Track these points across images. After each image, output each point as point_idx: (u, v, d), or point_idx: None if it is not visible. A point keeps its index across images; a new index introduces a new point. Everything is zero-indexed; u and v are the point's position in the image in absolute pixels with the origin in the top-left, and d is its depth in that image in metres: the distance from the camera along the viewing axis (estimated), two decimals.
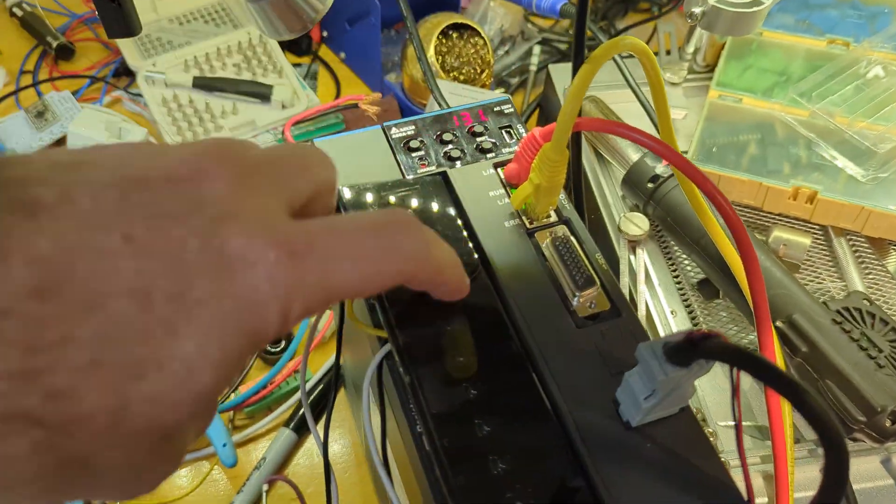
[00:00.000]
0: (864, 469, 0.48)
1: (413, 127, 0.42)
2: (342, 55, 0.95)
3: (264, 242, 0.21)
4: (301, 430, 0.63)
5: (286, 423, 0.63)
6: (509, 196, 0.39)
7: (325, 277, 0.22)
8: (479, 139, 0.41)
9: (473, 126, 0.42)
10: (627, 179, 0.57)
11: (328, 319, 0.68)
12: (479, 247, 0.37)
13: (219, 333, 0.20)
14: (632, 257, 0.56)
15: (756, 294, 0.39)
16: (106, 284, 0.18)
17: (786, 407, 0.42)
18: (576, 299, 0.35)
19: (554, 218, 0.39)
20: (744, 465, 0.30)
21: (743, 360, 0.25)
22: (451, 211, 0.38)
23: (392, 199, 0.38)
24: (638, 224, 0.55)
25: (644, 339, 0.34)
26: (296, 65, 0.93)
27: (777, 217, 0.60)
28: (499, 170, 0.40)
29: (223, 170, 0.22)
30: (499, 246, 0.37)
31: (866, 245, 0.59)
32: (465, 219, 0.38)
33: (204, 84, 0.82)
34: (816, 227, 0.60)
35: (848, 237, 0.59)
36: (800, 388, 0.24)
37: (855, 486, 0.47)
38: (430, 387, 0.32)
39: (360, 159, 0.41)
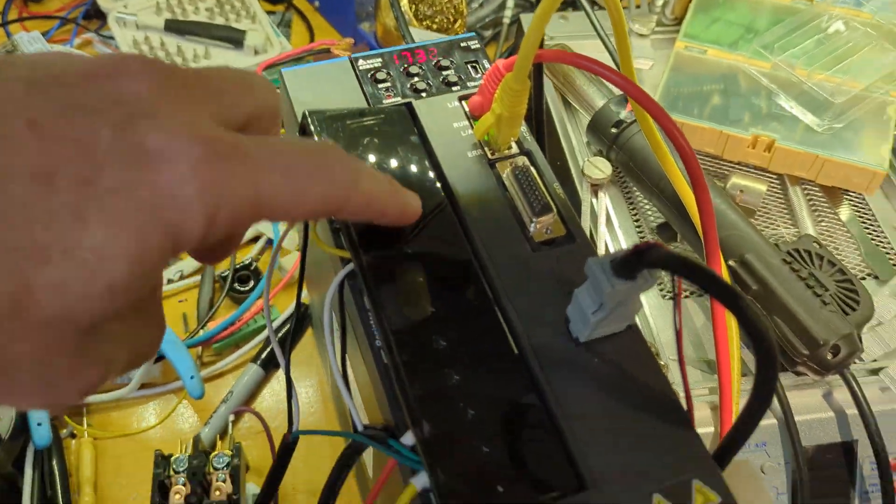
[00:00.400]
0: (807, 402, 0.50)
1: (380, 59, 0.43)
2: (316, 3, 0.94)
3: (188, 139, 0.20)
4: (268, 366, 0.64)
5: (253, 360, 0.64)
6: (472, 128, 0.40)
7: (255, 186, 0.21)
8: (444, 73, 0.42)
9: (439, 60, 0.43)
10: (592, 125, 0.59)
11: (295, 261, 0.68)
12: (441, 175, 0.38)
13: (134, 224, 0.19)
14: (594, 200, 0.58)
15: (707, 231, 0.40)
16: (5, 167, 0.18)
17: (733, 338, 0.44)
18: (532, 225, 0.36)
19: (515, 149, 0.40)
20: (682, 368, 0.31)
21: (684, 267, 0.27)
22: (415, 139, 0.39)
23: (354, 126, 0.39)
24: (601, 168, 0.57)
25: None
26: (269, 12, 0.93)
27: (736, 165, 0.62)
28: (463, 102, 0.41)
29: (147, 73, 0.21)
30: (461, 175, 0.38)
31: (820, 194, 0.61)
32: (428, 148, 0.39)
33: (176, 27, 0.82)
34: (773, 175, 0.62)
35: (803, 186, 0.61)
36: (733, 292, 0.25)
37: (797, 418, 0.49)
38: (390, 304, 0.33)
39: (327, 89, 0.41)
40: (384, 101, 0.41)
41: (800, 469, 0.49)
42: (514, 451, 0.30)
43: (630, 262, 0.28)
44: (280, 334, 0.66)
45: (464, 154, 0.39)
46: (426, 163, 0.38)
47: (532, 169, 0.38)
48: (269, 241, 0.72)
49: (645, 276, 0.29)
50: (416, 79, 0.42)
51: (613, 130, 0.57)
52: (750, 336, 0.26)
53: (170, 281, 0.69)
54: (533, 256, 0.36)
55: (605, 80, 0.61)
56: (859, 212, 0.61)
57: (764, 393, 0.27)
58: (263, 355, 0.64)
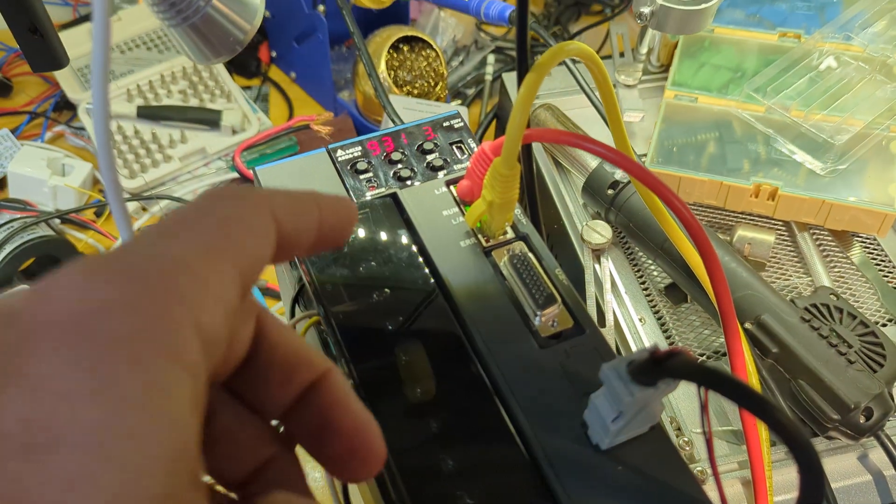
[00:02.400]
0: (842, 467, 0.47)
1: (359, 148, 0.40)
2: (293, 75, 0.93)
3: None
4: None
5: None
6: (463, 214, 0.38)
7: None
8: (429, 157, 0.40)
9: (422, 144, 0.41)
10: (587, 187, 0.56)
11: None
12: (433, 269, 0.35)
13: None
14: (596, 266, 0.55)
15: (721, 297, 0.38)
16: None
17: None
18: (537, 318, 0.34)
19: (511, 234, 0.37)
20: (716, 476, 0.29)
21: (707, 378, 0.24)
22: (403, 234, 0.36)
23: None
24: (601, 232, 0.54)
25: (609, 356, 0.33)
26: (245, 87, 0.91)
27: (740, 215, 0.59)
28: (451, 187, 0.39)
29: None
30: (455, 267, 0.35)
31: (830, 238, 0.59)
32: (418, 241, 0.36)
33: (149, 113, 0.80)
34: (780, 223, 0.59)
35: (812, 231, 0.58)
36: (766, 403, 0.23)
37: (833, 485, 0.46)
38: (387, 421, 0.30)
39: (306, 185, 0.39)
40: (367, 194, 0.38)
41: None
42: None
43: (649, 370, 0.26)
44: None
45: (456, 244, 0.36)
46: (418, 258, 0.35)
47: (531, 255, 0.36)
48: None
49: (667, 382, 0.27)
50: (399, 166, 0.39)
51: (610, 192, 0.54)
52: (792, 450, 0.23)
53: None
54: (540, 353, 0.33)
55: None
56: (871, 253, 0.58)
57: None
58: None
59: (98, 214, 0.75)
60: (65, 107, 0.85)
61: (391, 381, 0.31)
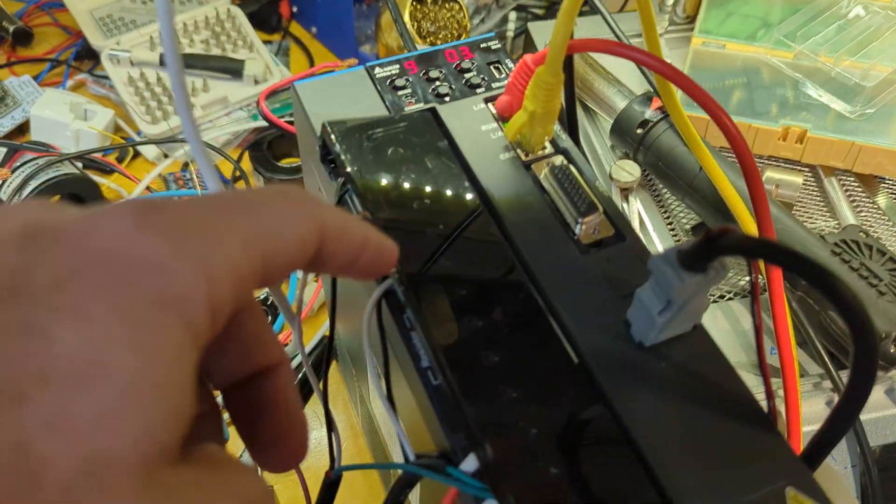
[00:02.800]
0: (870, 400, 0.47)
1: (397, 66, 0.40)
2: (314, 30, 0.93)
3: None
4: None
5: None
6: (502, 129, 0.38)
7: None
8: (467, 75, 0.40)
9: (460, 63, 0.41)
10: (616, 128, 0.56)
11: (315, 290, 0.66)
12: (474, 181, 0.35)
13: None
14: (624, 205, 0.55)
15: (762, 216, 0.38)
16: None
17: (791, 337, 0.41)
18: (578, 227, 0.34)
19: (550, 149, 0.37)
20: (764, 369, 0.29)
21: (763, 248, 0.24)
22: (443, 145, 0.36)
23: (378, 135, 0.36)
24: (629, 171, 0.54)
25: None
26: (266, 42, 0.91)
27: (767, 159, 0.59)
28: (490, 104, 0.39)
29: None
30: (495, 179, 0.36)
31: (856, 184, 0.59)
32: (458, 154, 0.36)
33: None
34: (806, 168, 0.59)
35: (838, 176, 0.58)
36: (826, 271, 0.23)
37: (862, 417, 0.46)
38: (435, 320, 0.30)
39: (344, 100, 0.39)
40: (406, 109, 0.38)
41: (869, 471, 0.46)
42: (586, 470, 0.27)
43: (701, 252, 0.26)
44: (303, 371, 0.63)
45: (496, 157, 0.36)
46: (458, 169, 0.36)
47: (571, 167, 0.36)
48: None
49: (716, 268, 0.27)
50: (437, 83, 0.40)
51: (639, 131, 0.54)
52: (844, 313, 0.23)
53: None
54: (582, 259, 0.33)
55: (624, 82, 0.59)
56: None
57: (864, 374, 0.25)
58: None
59: (120, 160, 0.75)
60: (86, 55, 0.85)
61: (440, 286, 0.32)
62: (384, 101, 0.39)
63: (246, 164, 0.76)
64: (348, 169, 0.34)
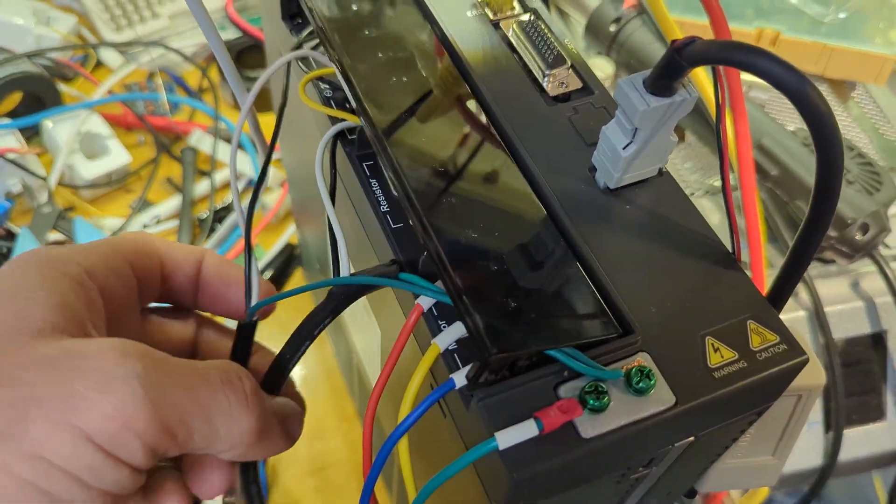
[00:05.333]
0: (835, 292, 0.47)
1: None
2: None
3: None
4: None
5: None
6: None
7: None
8: None
9: None
10: (590, 26, 0.55)
11: (280, 197, 0.65)
12: (442, 32, 0.34)
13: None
14: None
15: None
16: None
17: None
18: (546, 79, 0.33)
19: (519, 9, 0.36)
20: (728, 199, 0.28)
21: (733, 49, 0.23)
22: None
23: None
24: (602, 68, 0.54)
25: None
26: None
27: None
28: None
29: None
30: (461, 33, 0.35)
31: (828, 90, 0.58)
32: (423, 8, 0.35)
33: None
34: None
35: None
36: (800, 75, 0.22)
37: (826, 309, 0.46)
38: (403, 161, 0.29)
39: None
40: None
41: (832, 363, 0.46)
42: (550, 302, 0.26)
43: (669, 66, 0.25)
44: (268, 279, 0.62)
45: (462, 14, 0.35)
46: (424, 21, 0.35)
47: (541, 22, 0.35)
48: (250, 182, 0.68)
49: (682, 94, 0.26)
50: None
51: (612, 28, 0.53)
52: (808, 119, 0.23)
53: (145, 226, 0.65)
54: (549, 110, 0.32)
55: None
56: (867, 109, 0.58)
57: (827, 190, 0.24)
58: None
59: (83, 64, 0.73)
60: None
61: (407, 128, 0.31)
62: None
63: (214, 74, 0.74)
64: (317, 20, 0.33)
